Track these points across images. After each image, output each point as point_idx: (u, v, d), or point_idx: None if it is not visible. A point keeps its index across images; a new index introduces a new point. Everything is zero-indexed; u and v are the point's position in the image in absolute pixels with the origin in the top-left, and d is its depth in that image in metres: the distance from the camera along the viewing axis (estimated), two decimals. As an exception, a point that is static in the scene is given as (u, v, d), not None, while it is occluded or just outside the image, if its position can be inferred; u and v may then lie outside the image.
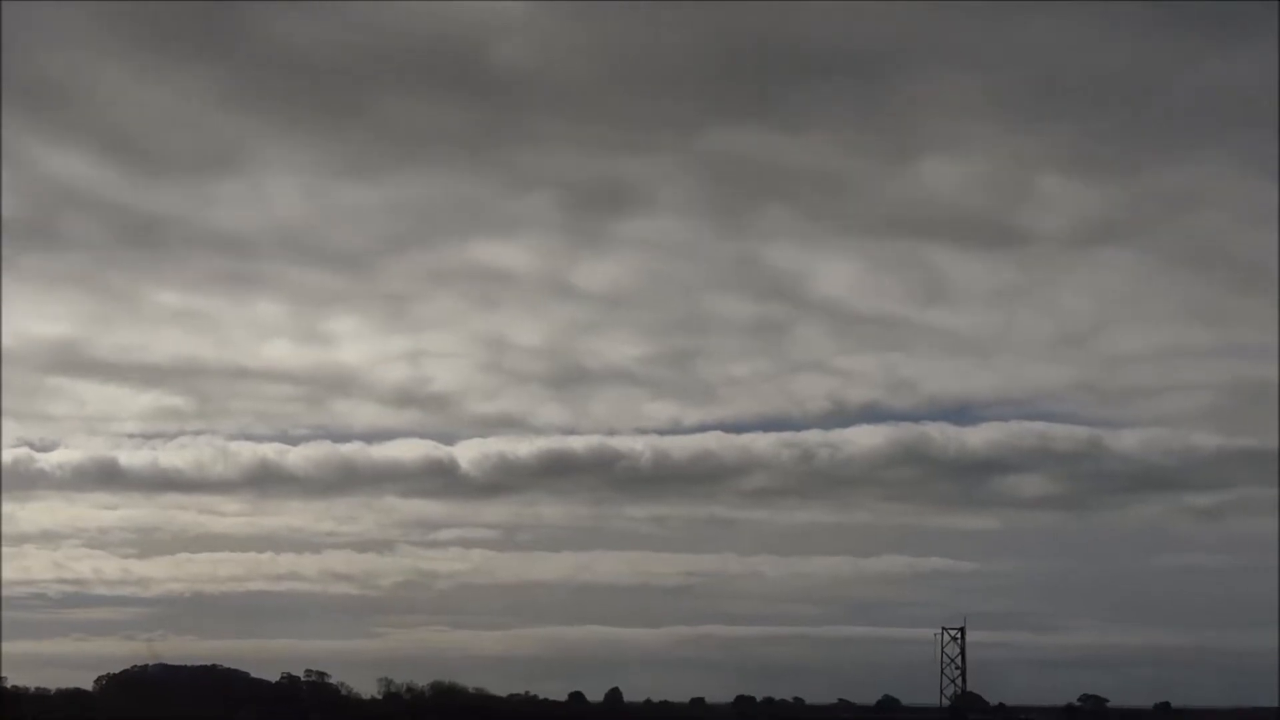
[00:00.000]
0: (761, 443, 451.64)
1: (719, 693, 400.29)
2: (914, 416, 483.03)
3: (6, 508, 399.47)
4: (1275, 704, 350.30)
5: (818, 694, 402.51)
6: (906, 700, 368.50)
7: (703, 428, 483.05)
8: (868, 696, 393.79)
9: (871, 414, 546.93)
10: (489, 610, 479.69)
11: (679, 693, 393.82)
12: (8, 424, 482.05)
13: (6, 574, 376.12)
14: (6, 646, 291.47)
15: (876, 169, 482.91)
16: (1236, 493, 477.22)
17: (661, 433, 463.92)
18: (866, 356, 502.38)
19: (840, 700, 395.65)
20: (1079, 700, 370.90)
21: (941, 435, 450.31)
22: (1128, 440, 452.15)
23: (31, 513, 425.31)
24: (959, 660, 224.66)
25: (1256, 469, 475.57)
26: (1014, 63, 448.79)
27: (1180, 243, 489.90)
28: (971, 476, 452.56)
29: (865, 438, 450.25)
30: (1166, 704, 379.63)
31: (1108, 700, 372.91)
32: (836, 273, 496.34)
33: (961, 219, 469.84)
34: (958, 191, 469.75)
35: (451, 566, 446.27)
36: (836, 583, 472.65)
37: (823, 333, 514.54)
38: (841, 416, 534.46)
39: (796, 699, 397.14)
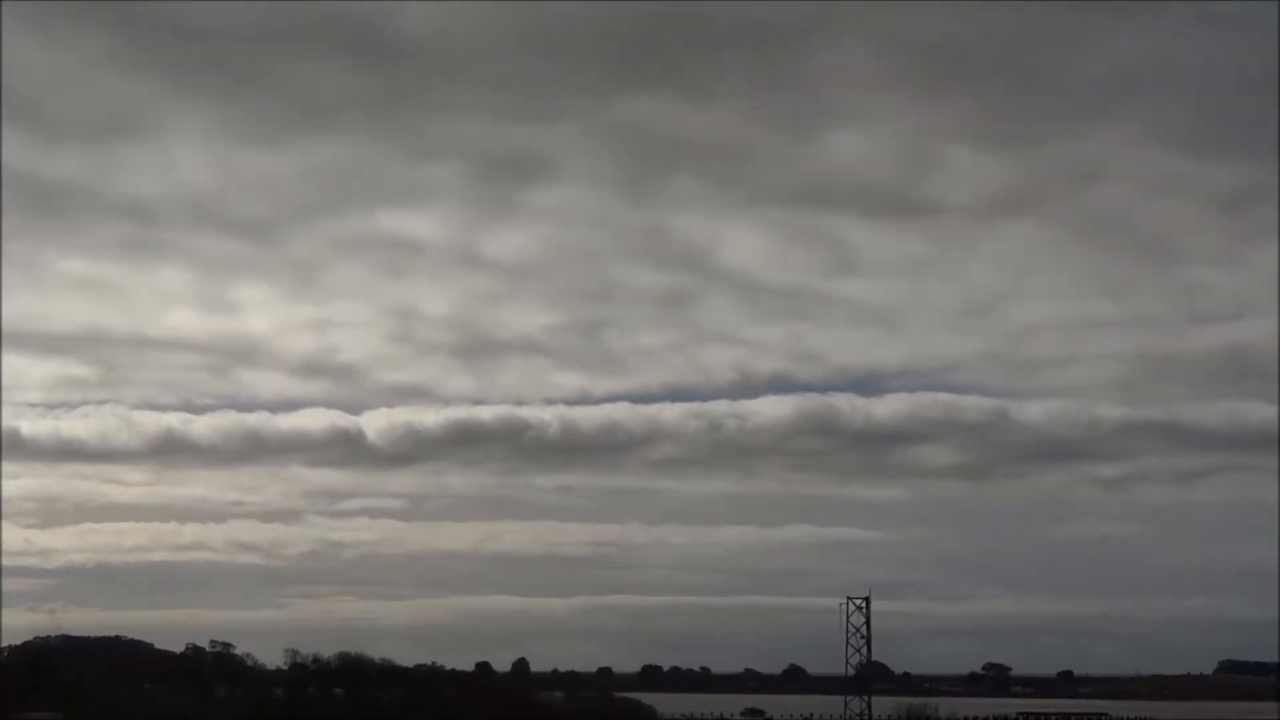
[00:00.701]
0: (669, 413, 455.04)
1: (626, 662, 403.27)
2: (821, 387, 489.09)
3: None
4: (1178, 671, 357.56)
5: (724, 663, 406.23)
6: (812, 670, 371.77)
7: (610, 398, 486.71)
8: (774, 666, 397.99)
9: (779, 385, 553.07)
10: (396, 580, 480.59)
11: (586, 663, 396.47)
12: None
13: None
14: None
15: (784, 140, 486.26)
16: (1140, 463, 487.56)
17: (569, 403, 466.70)
18: (774, 327, 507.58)
19: (747, 669, 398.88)
20: (983, 669, 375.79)
21: (848, 406, 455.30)
22: (1033, 411, 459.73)
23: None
24: (864, 630, 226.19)
25: (1160, 440, 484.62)
26: (919, 35, 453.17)
27: (1084, 214, 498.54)
28: (878, 447, 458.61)
29: (772, 408, 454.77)
30: (1069, 672, 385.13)
31: (1011, 669, 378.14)
32: (744, 243, 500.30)
33: (868, 190, 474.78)
34: (864, 163, 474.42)
35: (358, 536, 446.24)
36: (743, 552, 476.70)
37: (730, 303, 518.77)
38: (749, 387, 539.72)
39: (703, 668, 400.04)
